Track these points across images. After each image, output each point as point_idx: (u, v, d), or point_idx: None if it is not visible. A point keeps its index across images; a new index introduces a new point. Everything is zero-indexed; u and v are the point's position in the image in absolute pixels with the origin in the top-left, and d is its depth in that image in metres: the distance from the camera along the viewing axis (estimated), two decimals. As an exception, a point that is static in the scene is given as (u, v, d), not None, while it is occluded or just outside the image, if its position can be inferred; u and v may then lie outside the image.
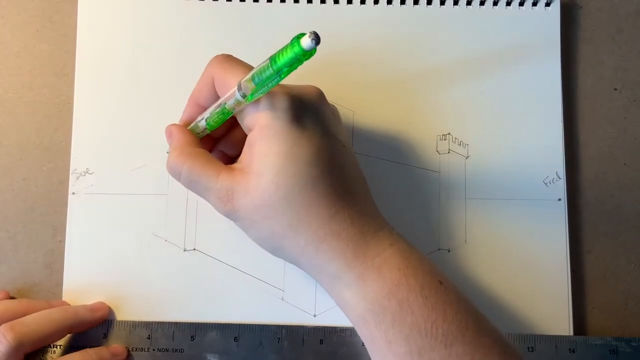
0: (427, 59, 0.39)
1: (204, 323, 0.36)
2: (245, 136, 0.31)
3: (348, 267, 0.28)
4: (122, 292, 0.37)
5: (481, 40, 0.39)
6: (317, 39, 0.24)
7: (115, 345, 0.36)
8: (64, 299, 0.37)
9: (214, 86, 0.31)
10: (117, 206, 0.38)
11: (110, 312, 0.37)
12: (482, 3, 0.40)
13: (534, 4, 0.39)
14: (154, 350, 0.36)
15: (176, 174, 0.31)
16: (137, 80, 0.39)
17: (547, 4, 0.39)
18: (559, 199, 0.38)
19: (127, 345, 0.36)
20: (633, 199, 0.39)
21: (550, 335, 0.36)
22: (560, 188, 0.38)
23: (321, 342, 0.36)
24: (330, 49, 0.39)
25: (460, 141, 0.39)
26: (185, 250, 0.38)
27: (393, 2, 0.40)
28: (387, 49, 0.39)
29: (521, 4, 0.39)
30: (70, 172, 0.38)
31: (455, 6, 0.40)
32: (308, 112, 0.29)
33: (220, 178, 0.30)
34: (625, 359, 0.36)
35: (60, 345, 0.36)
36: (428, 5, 0.40)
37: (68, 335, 0.36)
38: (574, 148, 0.39)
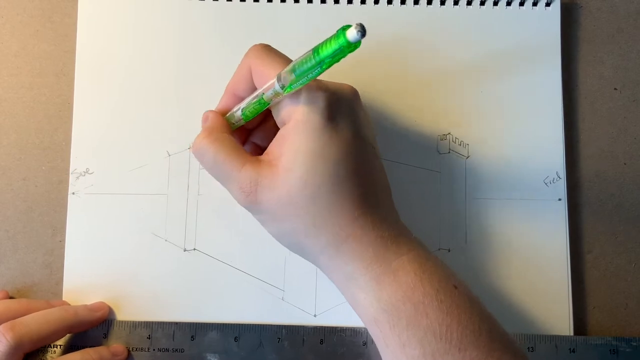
0: (427, 59, 0.39)
1: (204, 323, 0.36)
2: (277, 129, 0.31)
3: (365, 269, 0.28)
4: (122, 292, 0.37)
5: (481, 40, 0.39)
6: (363, 31, 0.23)
7: (116, 345, 0.36)
8: (64, 298, 0.37)
9: (251, 77, 0.31)
10: (117, 206, 0.38)
11: (110, 311, 0.37)
12: (482, 3, 0.40)
13: (534, 4, 0.39)
14: (154, 350, 0.36)
15: (200, 156, 0.31)
16: (137, 80, 0.39)
17: (548, 4, 0.39)
18: (559, 199, 0.38)
19: (127, 345, 0.36)
20: (633, 199, 0.39)
21: (550, 335, 0.36)
22: (560, 188, 0.38)
23: (321, 342, 0.36)
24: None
25: (461, 141, 0.39)
26: (185, 250, 0.38)
27: (393, 2, 0.40)
28: (387, 49, 0.39)
29: (521, 4, 0.39)
30: (70, 172, 0.38)
31: (455, 6, 0.40)
32: (343, 111, 0.29)
33: (244, 168, 0.29)
34: (625, 359, 0.36)
35: (60, 345, 0.36)
36: (428, 5, 0.40)
37: (68, 335, 0.36)
38: (574, 148, 0.39)
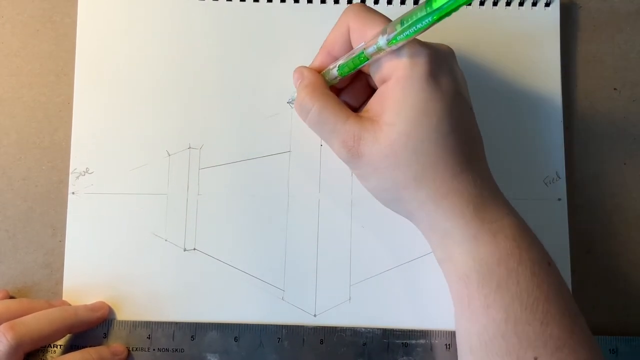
0: (427, 59, 0.39)
1: (204, 323, 0.36)
2: (366, 89, 0.32)
3: (465, 225, 0.29)
4: (122, 292, 0.37)
5: (481, 41, 0.39)
6: None
7: (116, 344, 0.36)
8: (64, 298, 0.37)
9: (348, 36, 0.31)
10: (117, 206, 0.38)
11: (110, 311, 0.37)
12: (482, 3, 0.40)
13: (534, 4, 0.39)
14: (154, 350, 0.36)
15: (304, 112, 0.31)
16: (137, 80, 0.39)
17: (547, 4, 0.39)
18: (559, 199, 0.38)
19: (127, 345, 0.36)
20: (633, 199, 0.39)
21: (550, 335, 0.36)
22: (560, 188, 0.38)
23: (321, 342, 0.36)
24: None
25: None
26: (185, 250, 0.38)
27: (393, 2, 0.40)
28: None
29: (521, 4, 0.39)
30: (70, 171, 0.38)
31: (455, 6, 0.40)
32: (444, 67, 0.29)
33: (348, 121, 0.30)
34: (625, 359, 0.36)
35: (60, 345, 0.36)
36: (428, 5, 0.40)
37: (68, 335, 0.36)
38: (574, 148, 0.39)
